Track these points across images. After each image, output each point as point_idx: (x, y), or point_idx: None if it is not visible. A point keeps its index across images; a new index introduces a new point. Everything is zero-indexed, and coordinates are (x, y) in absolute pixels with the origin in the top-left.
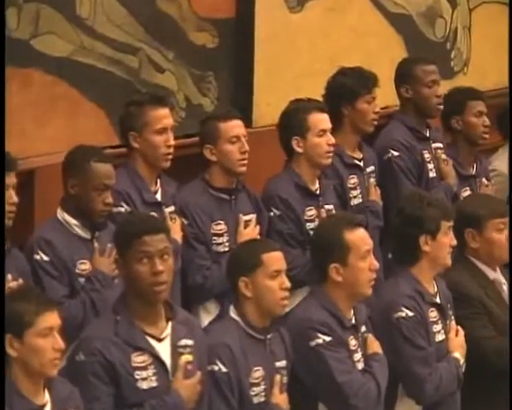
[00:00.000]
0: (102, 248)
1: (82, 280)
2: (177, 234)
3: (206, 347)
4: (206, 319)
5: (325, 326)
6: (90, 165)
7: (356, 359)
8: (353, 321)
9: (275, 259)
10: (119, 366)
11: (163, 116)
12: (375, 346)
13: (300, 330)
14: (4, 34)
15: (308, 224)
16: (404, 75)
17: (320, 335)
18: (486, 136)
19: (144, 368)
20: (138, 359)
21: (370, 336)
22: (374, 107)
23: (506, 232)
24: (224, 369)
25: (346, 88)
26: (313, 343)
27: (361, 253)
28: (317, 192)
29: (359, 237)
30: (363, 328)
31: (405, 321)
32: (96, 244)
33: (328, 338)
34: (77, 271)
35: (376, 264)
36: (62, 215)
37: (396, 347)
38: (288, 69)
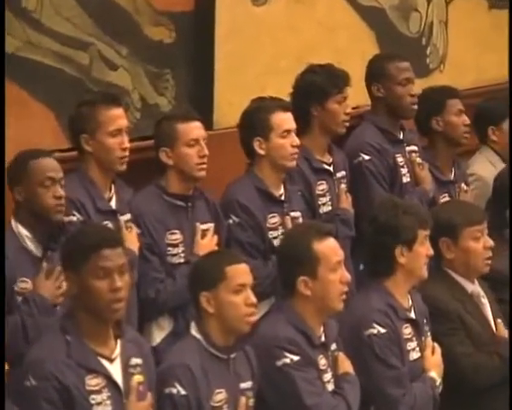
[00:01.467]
0: (50, 270)
1: (19, 299)
2: (133, 244)
3: (154, 365)
4: (158, 336)
5: (293, 344)
6: (29, 165)
7: (326, 379)
8: (323, 339)
9: (239, 272)
10: (73, 390)
11: (117, 117)
12: (346, 365)
13: (266, 349)
14: (4, 34)
15: (271, 232)
16: (375, 73)
17: (287, 354)
18: (468, 135)
19: (99, 391)
20: (92, 382)
21: (341, 355)
22: (345, 107)
23: (483, 241)
24: (183, 392)
25: (316, 87)
26: (280, 363)
27: (331, 264)
28: (282, 198)
29: (329, 248)
30: (334, 346)
31: (377, 338)
32: (44, 264)
33: (296, 357)
34: (16, 288)
35: (348, 276)
36: (16, 226)
37: (367, 366)
38: (251, 66)
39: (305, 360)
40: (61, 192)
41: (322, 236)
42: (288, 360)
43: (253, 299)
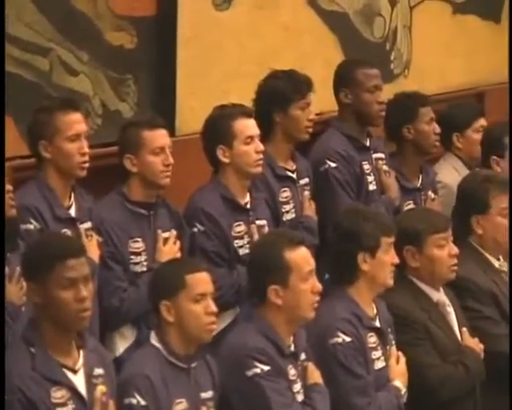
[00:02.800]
0: (11, 273)
1: None
2: (93, 253)
3: (115, 375)
4: (122, 346)
5: (263, 354)
6: None
7: (295, 390)
8: (292, 348)
9: (199, 280)
10: (39, 404)
11: (75, 121)
12: (315, 376)
13: (236, 359)
14: (4, 34)
15: (236, 241)
16: (343, 79)
17: (258, 364)
18: (438, 144)
19: (64, 404)
20: (57, 394)
21: (310, 365)
22: (308, 113)
23: (448, 248)
24: (142, 402)
25: (278, 93)
26: (250, 373)
27: (303, 274)
28: (247, 206)
29: (301, 257)
30: (303, 356)
31: (342, 347)
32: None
33: (266, 367)
34: None
35: (319, 286)
36: None
37: (332, 375)
38: (214, 71)
39: (276, 370)
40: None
41: (294, 245)
42: (258, 370)
43: (214, 308)
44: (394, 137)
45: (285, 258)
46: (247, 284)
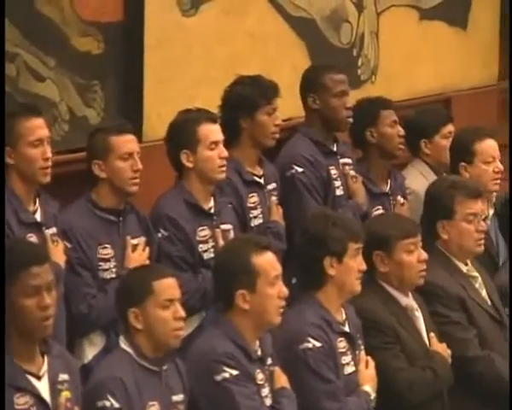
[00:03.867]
0: None
1: None
2: (59, 258)
3: (80, 381)
4: (90, 353)
5: (231, 359)
6: None
7: (263, 394)
8: (259, 353)
9: (167, 286)
10: None
11: (37, 126)
12: (282, 380)
13: (205, 364)
14: (4, 34)
15: (201, 245)
16: (311, 84)
17: (226, 368)
18: (402, 146)
19: None
20: (20, 400)
21: (277, 370)
22: (274, 119)
23: (417, 253)
24: (116, 405)
25: (244, 98)
26: (219, 378)
27: (270, 278)
28: (211, 211)
29: (268, 262)
30: (269, 360)
31: (312, 352)
32: None
33: (235, 372)
34: None
35: (286, 291)
36: None
37: (302, 380)
38: (181, 77)
39: (244, 375)
40: None
41: (261, 249)
42: (226, 375)
43: (182, 313)
44: (359, 142)
45: (252, 263)
46: (214, 289)
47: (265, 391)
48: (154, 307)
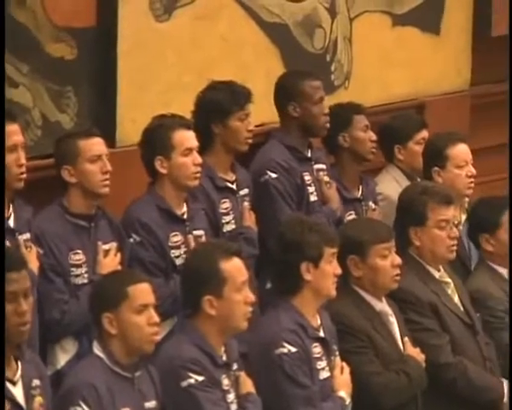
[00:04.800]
0: None
1: None
2: (33, 264)
3: (50, 386)
4: (63, 359)
5: (197, 365)
6: None
7: (229, 399)
8: (225, 358)
9: (141, 292)
10: None
11: (12, 133)
12: (248, 385)
13: (170, 370)
14: (4, 34)
15: (173, 251)
16: (289, 92)
17: (192, 374)
18: (374, 151)
19: None
20: None
21: (243, 375)
22: (247, 124)
23: (391, 258)
24: None
25: (217, 104)
26: (185, 384)
27: (237, 284)
28: (184, 217)
29: (235, 268)
30: (235, 366)
31: (287, 358)
32: None
33: (200, 378)
34: None
35: (252, 297)
36: None
37: (277, 385)
38: (154, 82)
39: (210, 381)
40: None
41: (229, 255)
42: (192, 381)
43: (156, 318)
44: (332, 147)
45: (220, 268)
46: (181, 294)
47: (231, 397)
48: (128, 312)
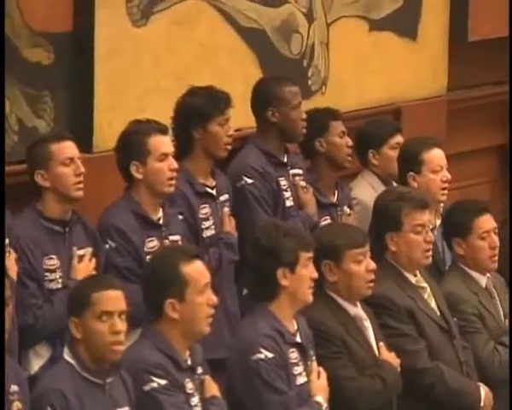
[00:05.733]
0: None
1: None
2: (12, 270)
3: (28, 392)
4: (36, 364)
5: (160, 369)
6: None
7: (193, 403)
8: (189, 362)
9: (106, 299)
10: None
11: None
12: (213, 389)
13: (133, 374)
14: (4, 35)
15: (149, 256)
16: (267, 97)
17: (155, 378)
18: (350, 158)
19: None
20: None
21: (208, 379)
22: (227, 129)
23: (366, 263)
24: None
25: (197, 109)
26: (147, 387)
27: (199, 287)
28: (160, 222)
29: (197, 270)
30: (200, 369)
31: (264, 363)
32: None
33: (163, 382)
34: None
35: (215, 299)
36: None
37: (255, 391)
38: (131, 87)
39: (173, 384)
40: None
41: (190, 258)
42: (155, 385)
43: (119, 327)
44: (308, 152)
45: (181, 271)
46: (143, 298)
47: (195, 400)
48: (91, 319)
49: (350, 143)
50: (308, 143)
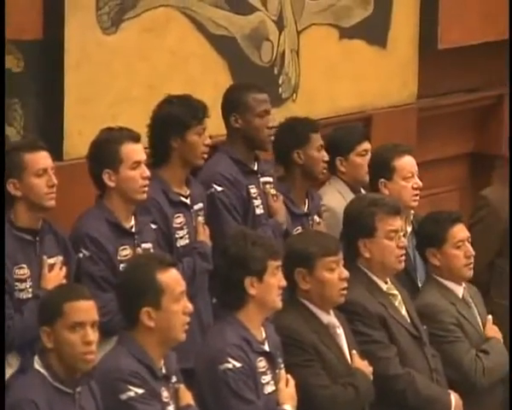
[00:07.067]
0: None
1: None
2: None
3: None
4: (6, 373)
5: (137, 377)
6: None
7: None
8: (164, 371)
9: (77, 309)
10: None
11: None
12: (187, 398)
13: (109, 382)
14: (4, 36)
15: (122, 264)
16: (233, 104)
17: (131, 387)
18: (325, 171)
19: None
20: None
21: (182, 387)
22: (204, 139)
23: (339, 271)
24: None
25: (176, 119)
26: (124, 396)
27: (175, 295)
28: (133, 230)
29: (172, 279)
30: (174, 378)
31: (232, 373)
32: None
33: (140, 390)
34: None
35: (191, 307)
36: None
37: (223, 401)
38: (102, 95)
39: (149, 393)
40: None
41: (165, 266)
42: (132, 394)
43: (91, 337)
44: (284, 160)
45: (157, 280)
46: (118, 307)
47: (171, 409)
48: (62, 329)
49: (326, 157)
50: (285, 152)
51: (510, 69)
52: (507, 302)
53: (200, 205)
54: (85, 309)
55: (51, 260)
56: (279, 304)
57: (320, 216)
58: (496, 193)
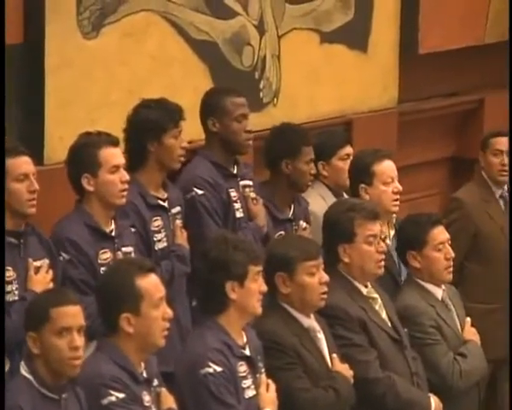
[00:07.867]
0: None
1: None
2: None
3: None
4: None
5: (118, 382)
6: None
7: None
8: (145, 375)
9: (64, 314)
10: None
11: None
12: (169, 401)
13: (91, 388)
14: (4, 36)
15: (102, 268)
16: (211, 107)
17: (113, 392)
18: (311, 183)
19: None
20: None
21: (164, 391)
22: (181, 142)
23: (319, 276)
24: None
25: (151, 122)
26: (106, 401)
27: (154, 301)
28: (113, 234)
29: (152, 284)
30: (156, 382)
31: (213, 377)
32: None
33: (121, 395)
34: None
35: (170, 312)
36: None
37: (204, 406)
38: (82, 100)
39: (130, 398)
40: None
41: (145, 272)
42: (113, 398)
43: (78, 342)
44: (271, 166)
45: (136, 285)
46: (98, 312)
47: None
48: (49, 334)
49: (313, 170)
50: (274, 158)
51: (510, 69)
52: (476, 305)
53: (178, 208)
54: (72, 314)
55: (37, 263)
56: (259, 310)
57: (307, 222)
58: (469, 194)
